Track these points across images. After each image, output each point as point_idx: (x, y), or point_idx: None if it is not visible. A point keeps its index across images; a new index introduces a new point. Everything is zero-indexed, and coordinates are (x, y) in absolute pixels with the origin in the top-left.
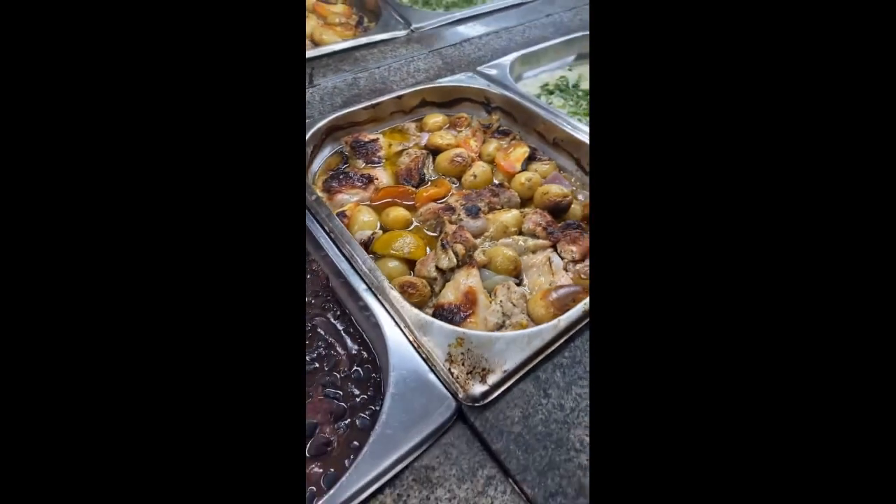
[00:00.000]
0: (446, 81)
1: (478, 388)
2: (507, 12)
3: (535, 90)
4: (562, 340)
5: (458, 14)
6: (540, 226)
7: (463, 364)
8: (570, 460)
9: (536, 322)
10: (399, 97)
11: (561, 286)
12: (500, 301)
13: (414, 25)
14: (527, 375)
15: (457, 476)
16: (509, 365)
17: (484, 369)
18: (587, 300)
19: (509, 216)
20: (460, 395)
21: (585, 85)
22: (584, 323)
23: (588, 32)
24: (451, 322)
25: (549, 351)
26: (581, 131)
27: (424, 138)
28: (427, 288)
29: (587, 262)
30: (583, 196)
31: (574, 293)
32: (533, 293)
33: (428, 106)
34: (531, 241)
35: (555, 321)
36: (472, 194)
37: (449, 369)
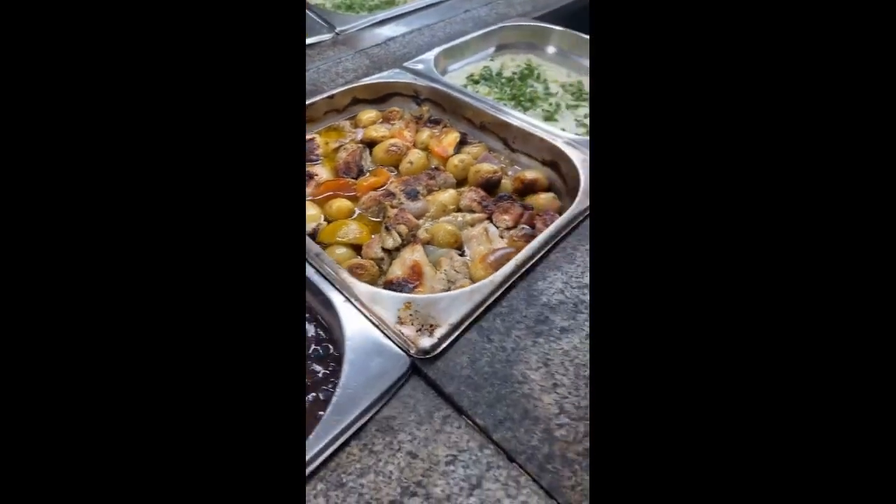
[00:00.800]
0: (375, 79)
1: (427, 342)
2: (427, 11)
3: (461, 81)
4: (499, 292)
5: (381, 15)
6: (475, 201)
7: (412, 324)
8: (515, 391)
9: None
10: (331, 97)
11: (497, 249)
12: (445, 270)
13: (338, 28)
14: (471, 326)
15: (415, 420)
16: (454, 318)
17: (431, 325)
18: (518, 256)
19: (447, 196)
20: (412, 351)
21: (507, 73)
22: (517, 275)
23: (505, 24)
24: (401, 293)
25: (489, 302)
26: (506, 114)
27: (360, 134)
28: (375, 268)
29: (519, 228)
30: (512, 172)
31: (508, 254)
32: (474, 261)
33: (360, 103)
34: (469, 216)
35: (491, 277)
36: (410, 179)
37: (400, 330)
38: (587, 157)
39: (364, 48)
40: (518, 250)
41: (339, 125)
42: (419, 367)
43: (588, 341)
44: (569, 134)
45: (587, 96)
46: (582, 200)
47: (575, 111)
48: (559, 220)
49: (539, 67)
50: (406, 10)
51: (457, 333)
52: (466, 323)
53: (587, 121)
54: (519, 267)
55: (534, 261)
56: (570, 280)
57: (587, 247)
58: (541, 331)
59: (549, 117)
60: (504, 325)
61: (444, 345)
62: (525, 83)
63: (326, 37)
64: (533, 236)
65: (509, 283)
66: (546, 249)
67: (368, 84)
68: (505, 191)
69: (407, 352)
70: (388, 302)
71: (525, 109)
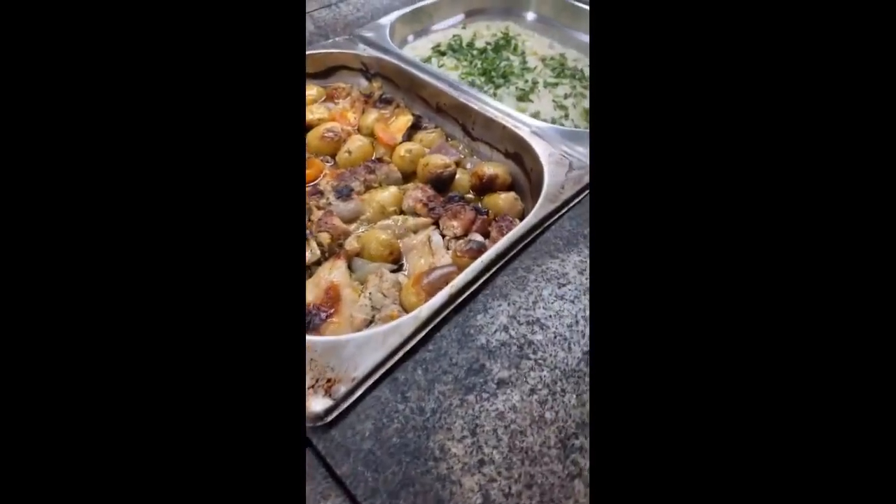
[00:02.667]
0: (319, 49)
1: (321, 405)
2: None
3: (426, 52)
4: (424, 332)
5: None
6: (420, 202)
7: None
8: (428, 472)
9: (409, 311)
10: None
11: (434, 268)
12: (370, 293)
13: None
14: (382, 379)
15: None
16: (360, 371)
17: (329, 380)
18: (455, 282)
19: (387, 194)
20: None
21: (480, 43)
22: (450, 308)
23: None
24: (308, 326)
25: (409, 347)
26: (467, 94)
27: None
28: None
29: (469, 238)
30: (470, 164)
31: (447, 275)
32: (408, 281)
33: None
34: (412, 220)
35: (416, 311)
36: (345, 173)
37: None
38: (554, 150)
39: (309, 11)
40: (460, 268)
41: None
42: (308, 437)
43: (529, 398)
44: (536, 121)
45: (570, 72)
46: (543, 206)
47: (554, 90)
48: (510, 234)
49: (518, 37)
50: None
51: (362, 390)
52: (377, 376)
53: (566, 102)
54: (454, 296)
55: (475, 286)
56: (517, 313)
57: (543, 268)
58: (473, 384)
59: (523, 97)
60: (426, 378)
61: (343, 406)
62: (499, 55)
63: None
64: (481, 251)
65: (440, 317)
66: (492, 272)
67: (310, 55)
68: (461, 187)
69: None
70: None
71: (497, 87)
